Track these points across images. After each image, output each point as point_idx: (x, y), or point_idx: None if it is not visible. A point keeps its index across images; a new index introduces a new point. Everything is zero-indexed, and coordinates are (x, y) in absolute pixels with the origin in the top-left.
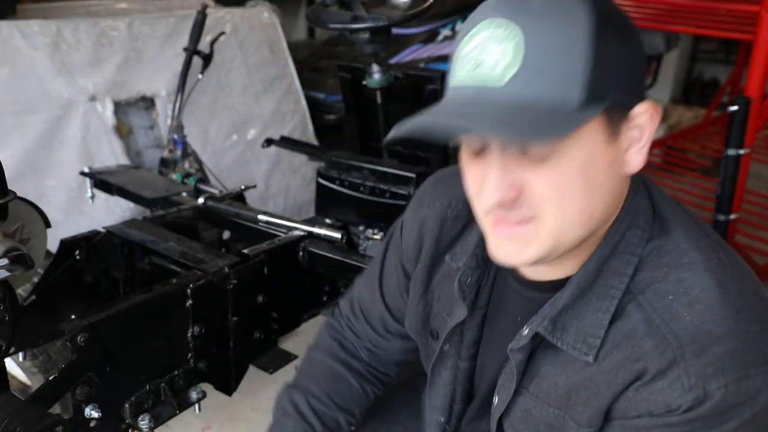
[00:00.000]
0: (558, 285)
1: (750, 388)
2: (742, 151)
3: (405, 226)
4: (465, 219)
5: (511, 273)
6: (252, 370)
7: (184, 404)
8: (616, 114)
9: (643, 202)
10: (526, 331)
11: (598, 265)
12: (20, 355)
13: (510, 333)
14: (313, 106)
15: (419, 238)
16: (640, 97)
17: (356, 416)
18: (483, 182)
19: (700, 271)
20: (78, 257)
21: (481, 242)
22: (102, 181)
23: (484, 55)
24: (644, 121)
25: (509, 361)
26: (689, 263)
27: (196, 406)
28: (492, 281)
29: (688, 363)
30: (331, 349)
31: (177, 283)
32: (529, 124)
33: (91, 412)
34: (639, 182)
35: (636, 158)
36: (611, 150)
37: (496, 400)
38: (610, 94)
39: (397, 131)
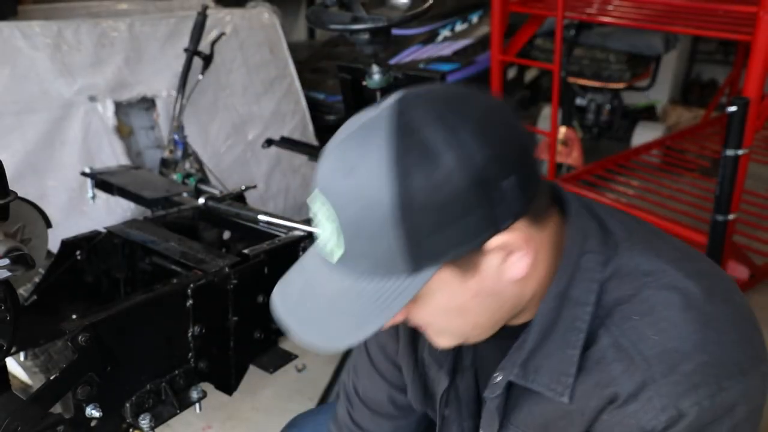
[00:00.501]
0: (524, 328)
1: (725, 401)
2: (740, 152)
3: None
4: None
5: None
6: (252, 369)
7: (185, 404)
8: (463, 260)
9: (590, 223)
10: (499, 378)
11: (557, 301)
12: (21, 354)
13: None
14: (313, 106)
15: (395, 328)
16: (496, 231)
17: None
18: None
19: (662, 288)
20: (79, 257)
21: None
22: (103, 182)
23: (321, 228)
24: (511, 242)
25: (486, 404)
26: (651, 280)
27: (197, 405)
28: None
29: (659, 384)
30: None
31: (178, 283)
32: (336, 328)
33: (92, 412)
34: (577, 208)
35: (518, 266)
36: (471, 284)
37: None
38: (441, 255)
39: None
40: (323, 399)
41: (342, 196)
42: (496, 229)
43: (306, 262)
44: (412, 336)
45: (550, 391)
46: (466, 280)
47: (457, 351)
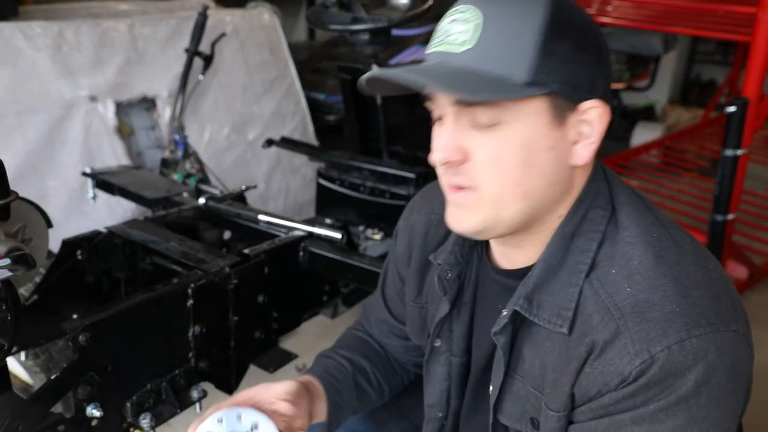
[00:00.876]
0: (528, 270)
1: (696, 348)
2: (739, 152)
3: (398, 234)
4: None
5: (490, 265)
6: (252, 369)
7: (185, 403)
8: (561, 102)
9: (603, 185)
10: (505, 311)
11: (563, 243)
12: (22, 354)
13: (491, 321)
14: (314, 106)
15: (409, 244)
16: (591, 95)
17: (381, 371)
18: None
19: (639, 245)
20: (80, 257)
21: (459, 239)
22: (103, 182)
23: (453, 30)
24: (593, 118)
25: (496, 348)
26: (630, 237)
27: (197, 405)
28: (475, 278)
29: (631, 331)
30: (354, 327)
31: (178, 282)
32: (471, 86)
33: (93, 411)
34: (599, 168)
35: (583, 153)
36: (554, 134)
37: (491, 388)
38: (554, 84)
39: (370, 74)
40: None
41: (501, 5)
42: (591, 92)
43: (414, 67)
44: (421, 266)
45: (550, 324)
46: (551, 128)
47: (459, 285)
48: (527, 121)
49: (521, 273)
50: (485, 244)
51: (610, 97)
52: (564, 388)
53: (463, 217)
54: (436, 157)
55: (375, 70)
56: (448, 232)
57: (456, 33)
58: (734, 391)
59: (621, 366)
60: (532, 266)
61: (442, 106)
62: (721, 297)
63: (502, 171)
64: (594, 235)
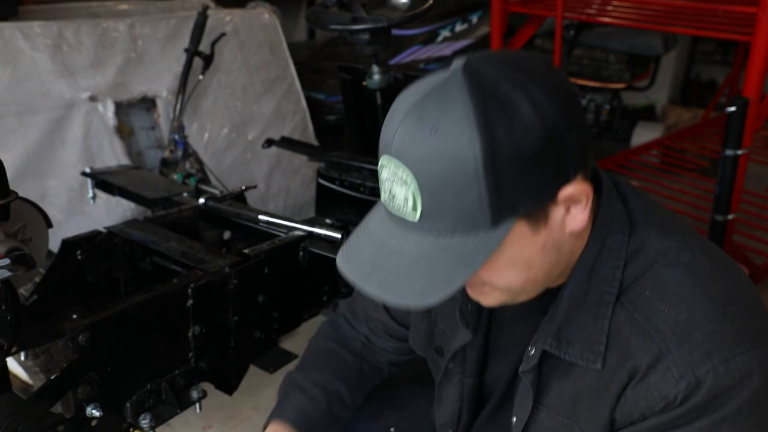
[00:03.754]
0: (548, 292)
1: (741, 366)
2: (739, 152)
3: None
4: None
5: None
6: (252, 369)
7: (185, 403)
8: (535, 212)
9: (617, 206)
10: (533, 351)
11: (585, 276)
12: (22, 354)
13: (510, 344)
14: (314, 106)
15: None
16: (565, 182)
17: (356, 389)
18: None
19: (673, 265)
20: (79, 257)
21: None
22: (103, 182)
23: (396, 192)
24: (577, 191)
25: (521, 381)
26: (662, 258)
27: (197, 405)
28: None
29: (674, 354)
30: (327, 334)
31: (178, 282)
32: (440, 272)
33: (93, 411)
34: (610, 188)
35: (579, 218)
36: (540, 236)
37: (514, 420)
38: (520, 207)
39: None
40: None
41: (424, 156)
42: (565, 180)
43: (372, 228)
44: None
45: (583, 360)
46: (537, 232)
47: (478, 311)
48: (510, 247)
49: (538, 298)
50: None
51: (590, 156)
52: (603, 414)
53: (480, 298)
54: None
55: (355, 278)
56: None
57: (400, 198)
58: None
59: (666, 390)
60: (548, 291)
61: None
62: (756, 308)
63: (506, 285)
64: (617, 262)
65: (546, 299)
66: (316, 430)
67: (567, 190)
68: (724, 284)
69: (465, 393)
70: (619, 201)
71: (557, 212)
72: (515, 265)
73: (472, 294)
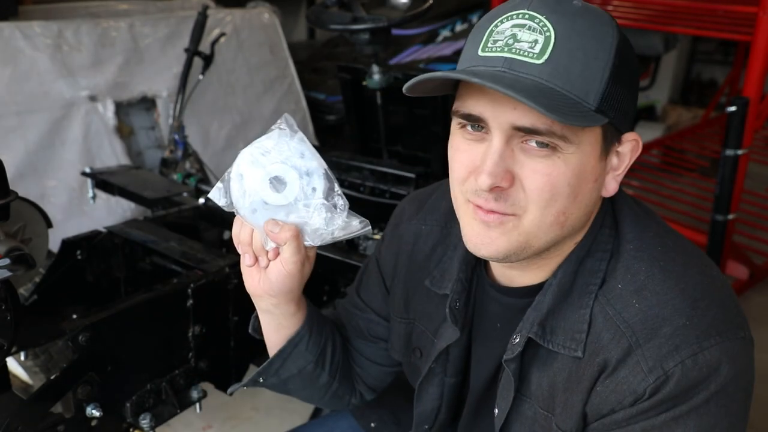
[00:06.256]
0: (531, 290)
1: (709, 360)
2: (740, 152)
3: (385, 240)
4: (437, 236)
5: (489, 283)
6: (252, 369)
7: (185, 403)
8: (612, 133)
9: (607, 202)
10: (518, 339)
11: (575, 267)
12: (22, 354)
13: (491, 340)
14: (314, 106)
15: (396, 253)
16: (630, 128)
17: (341, 363)
18: (476, 166)
19: (644, 259)
20: (79, 257)
21: (464, 265)
22: (103, 182)
23: (521, 37)
24: (627, 150)
25: (504, 371)
26: (634, 251)
27: (197, 405)
28: (474, 298)
29: (643, 348)
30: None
31: (178, 282)
32: (555, 107)
33: (93, 411)
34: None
35: (612, 184)
36: (600, 166)
37: (496, 411)
38: (612, 113)
39: (432, 75)
40: (318, 408)
41: (569, 12)
42: (629, 129)
43: (473, 70)
44: (408, 278)
45: (565, 349)
46: (600, 159)
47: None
48: (584, 150)
49: (522, 292)
50: (485, 263)
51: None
52: (576, 408)
53: (493, 239)
54: (484, 182)
55: (452, 73)
56: (435, 246)
57: (525, 41)
58: (743, 397)
59: (635, 384)
60: (533, 286)
61: (492, 124)
62: (726, 303)
63: (552, 200)
64: (603, 255)
65: (527, 300)
66: (321, 326)
67: (630, 135)
68: (695, 278)
69: (445, 392)
70: (608, 199)
71: (614, 156)
72: (573, 177)
73: (491, 220)
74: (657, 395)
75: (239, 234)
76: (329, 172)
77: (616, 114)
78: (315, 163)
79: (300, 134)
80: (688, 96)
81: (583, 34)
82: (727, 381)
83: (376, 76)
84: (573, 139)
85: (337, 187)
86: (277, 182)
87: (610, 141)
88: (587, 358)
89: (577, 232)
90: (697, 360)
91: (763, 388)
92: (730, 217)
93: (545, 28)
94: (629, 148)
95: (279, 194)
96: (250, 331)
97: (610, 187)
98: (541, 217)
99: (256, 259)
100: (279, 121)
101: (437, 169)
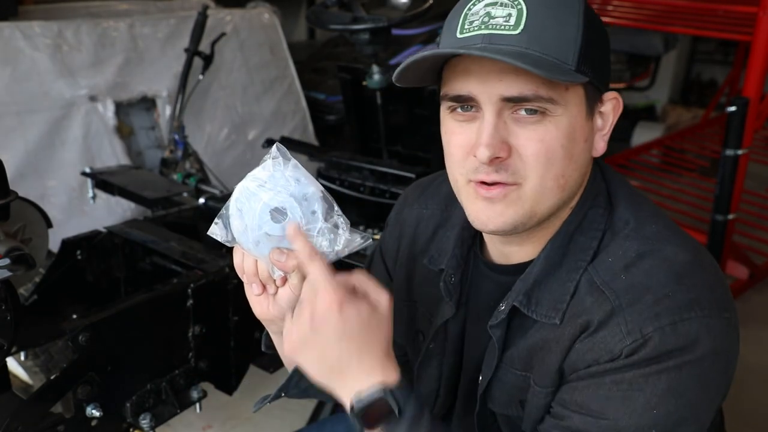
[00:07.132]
0: (524, 267)
1: (688, 331)
2: (740, 152)
3: (388, 225)
4: (438, 219)
5: (483, 261)
6: (252, 369)
7: (185, 403)
8: (593, 92)
9: (601, 184)
10: (503, 306)
11: (565, 242)
12: (22, 354)
13: (484, 319)
14: (314, 106)
15: (399, 237)
16: (607, 87)
17: None
18: (472, 144)
19: (637, 239)
20: (79, 257)
21: (459, 241)
22: (103, 182)
23: (495, 13)
24: (610, 109)
25: (490, 340)
26: (628, 230)
27: (197, 405)
28: (469, 277)
29: (625, 312)
30: None
31: (178, 282)
32: (540, 65)
33: (93, 411)
34: (596, 167)
35: (600, 143)
36: (588, 126)
37: (480, 379)
38: (590, 73)
39: (414, 57)
40: (317, 409)
41: None
42: (606, 90)
43: (456, 43)
44: (410, 263)
45: (546, 318)
46: (587, 119)
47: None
48: (572, 112)
49: (516, 269)
50: (481, 242)
51: None
52: (554, 365)
53: (499, 212)
54: (483, 154)
55: (432, 50)
56: (436, 228)
57: (500, 17)
58: (718, 377)
59: (612, 344)
60: (527, 262)
61: (482, 99)
62: (715, 287)
63: (549, 164)
64: (595, 233)
65: (519, 274)
66: None
67: (610, 94)
68: (684, 259)
69: (444, 373)
70: (602, 180)
71: (598, 116)
72: (566, 138)
73: (494, 194)
74: (632, 356)
75: (242, 264)
76: (326, 194)
77: (594, 73)
78: (312, 187)
79: (293, 161)
80: (688, 96)
81: (552, 2)
82: (704, 355)
83: (376, 76)
84: (560, 101)
85: (336, 207)
86: (277, 213)
87: (593, 100)
88: (568, 320)
89: (573, 198)
90: (677, 328)
91: (764, 388)
92: (730, 217)
93: (516, 2)
94: (611, 106)
95: (280, 225)
96: (263, 348)
97: (599, 147)
98: (541, 182)
99: (264, 288)
100: (271, 151)
101: (437, 169)
